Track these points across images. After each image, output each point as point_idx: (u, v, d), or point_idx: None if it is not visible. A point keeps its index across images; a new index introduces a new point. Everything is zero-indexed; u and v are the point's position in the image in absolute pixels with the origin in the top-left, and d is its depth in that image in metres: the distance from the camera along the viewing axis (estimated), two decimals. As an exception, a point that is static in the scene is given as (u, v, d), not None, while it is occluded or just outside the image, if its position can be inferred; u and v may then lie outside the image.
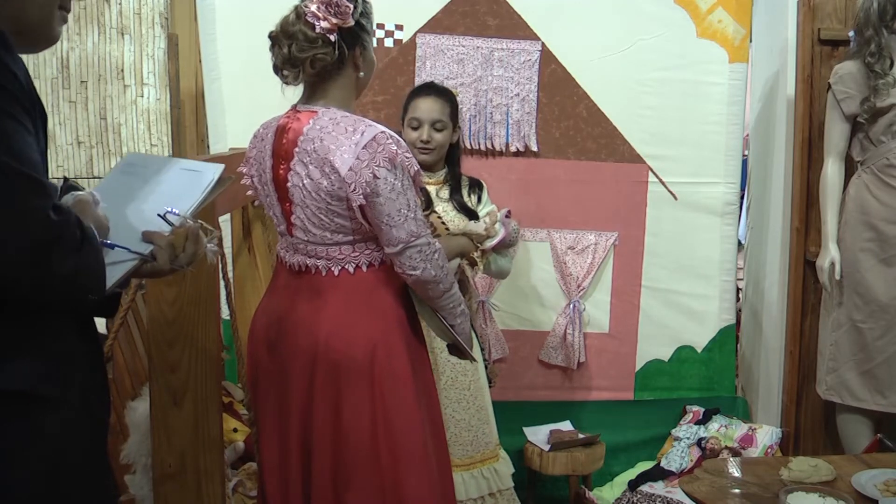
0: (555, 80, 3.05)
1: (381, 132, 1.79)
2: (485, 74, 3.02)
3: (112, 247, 1.30)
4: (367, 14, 1.88)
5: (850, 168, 2.92)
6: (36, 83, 3.33)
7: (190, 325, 1.81)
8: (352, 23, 1.80)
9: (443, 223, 2.55)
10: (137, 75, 3.42)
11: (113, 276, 1.28)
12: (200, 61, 2.99)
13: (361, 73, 1.89)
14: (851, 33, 2.91)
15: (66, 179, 1.45)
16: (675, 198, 3.15)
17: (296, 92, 1.92)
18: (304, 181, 1.81)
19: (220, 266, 1.93)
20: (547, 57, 3.03)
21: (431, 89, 2.62)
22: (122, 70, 3.41)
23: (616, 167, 3.12)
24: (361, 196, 1.76)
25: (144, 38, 3.40)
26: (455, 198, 2.60)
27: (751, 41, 3.19)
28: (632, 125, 3.10)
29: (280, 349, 1.90)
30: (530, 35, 3.03)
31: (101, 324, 2.86)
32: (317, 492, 1.84)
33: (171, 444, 1.82)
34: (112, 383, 1.97)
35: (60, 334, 1.27)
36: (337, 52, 1.80)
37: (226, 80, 2.94)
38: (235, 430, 2.34)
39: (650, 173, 3.14)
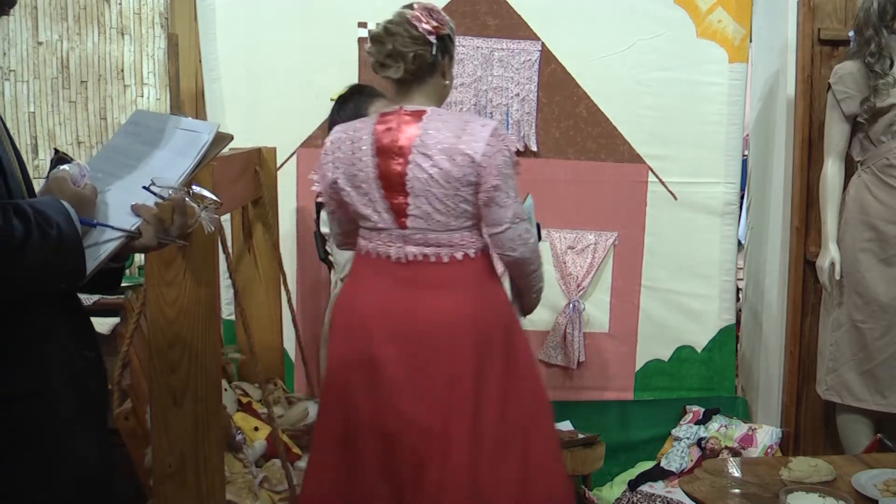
0: (555, 80, 3.05)
1: (499, 124, 2.09)
2: (485, 74, 3.02)
3: (92, 225, 1.23)
4: (454, 35, 2.10)
5: (850, 168, 2.92)
6: (36, 83, 3.31)
7: (190, 325, 1.80)
8: (447, 31, 2.05)
9: None
10: (137, 75, 3.42)
11: (96, 256, 1.22)
12: (200, 61, 2.99)
13: (447, 82, 2.11)
14: (851, 33, 2.91)
15: (56, 151, 1.42)
16: (675, 198, 3.15)
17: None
18: (430, 171, 1.99)
19: (220, 266, 1.92)
20: (547, 57, 3.03)
21: (376, 91, 2.58)
22: (122, 70, 3.41)
23: (616, 167, 3.12)
24: (497, 178, 1.99)
25: (144, 38, 3.40)
26: None
27: (751, 41, 3.19)
28: (632, 125, 3.10)
29: (414, 337, 2.01)
30: (530, 35, 3.03)
31: (103, 325, 2.87)
32: (482, 462, 2.00)
33: (171, 444, 1.82)
34: (130, 389, 1.95)
35: (26, 321, 1.22)
36: (434, 53, 2.02)
37: (226, 80, 2.94)
38: (256, 429, 2.34)
39: (650, 173, 3.14)
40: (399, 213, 2.03)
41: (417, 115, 2.04)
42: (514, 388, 2.07)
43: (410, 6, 2.05)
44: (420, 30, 2.00)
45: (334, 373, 2.12)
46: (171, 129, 1.41)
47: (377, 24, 2.06)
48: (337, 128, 2.14)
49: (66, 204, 1.20)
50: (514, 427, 2.05)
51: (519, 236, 2.05)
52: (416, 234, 2.03)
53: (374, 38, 2.04)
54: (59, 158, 1.34)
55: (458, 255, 2.04)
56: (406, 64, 2.01)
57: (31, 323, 1.23)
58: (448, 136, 1.99)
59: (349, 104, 2.55)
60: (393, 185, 2.02)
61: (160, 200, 1.30)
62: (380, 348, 2.02)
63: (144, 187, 1.30)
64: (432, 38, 2.01)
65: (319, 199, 2.46)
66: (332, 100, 2.60)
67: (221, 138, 1.41)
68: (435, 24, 2.01)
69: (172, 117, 1.48)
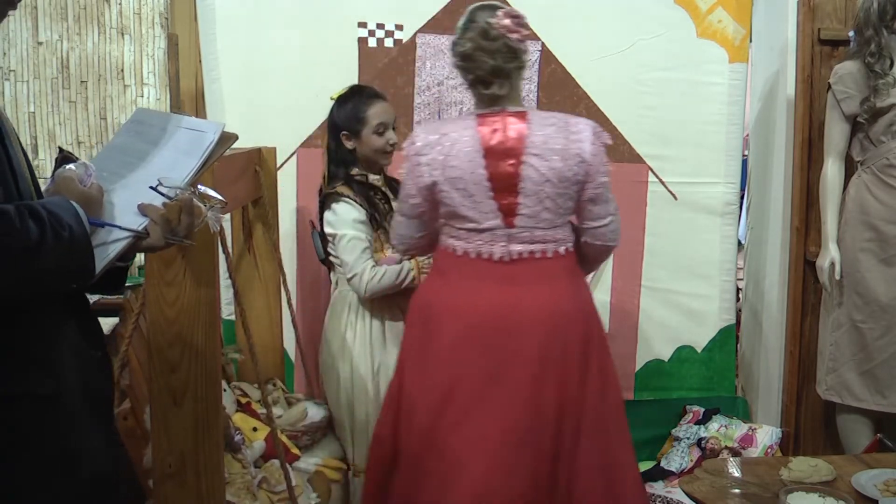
0: (555, 80, 3.05)
1: (594, 122, 2.15)
2: (485, 74, 3.02)
3: (101, 225, 1.23)
4: None
5: (850, 168, 2.92)
6: (36, 83, 3.31)
7: (190, 325, 1.80)
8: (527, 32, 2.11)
9: None
10: (137, 75, 3.42)
11: (105, 255, 1.22)
12: (200, 61, 2.98)
13: (523, 81, 2.18)
14: (851, 33, 2.91)
15: (61, 150, 1.42)
16: (675, 198, 3.15)
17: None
18: (544, 172, 2.05)
19: (220, 265, 1.92)
20: (547, 57, 3.03)
21: (376, 93, 2.58)
22: (122, 70, 3.41)
23: (616, 167, 3.08)
24: (603, 175, 2.11)
25: (144, 38, 3.40)
26: (396, 193, 2.59)
27: (751, 41, 3.19)
28: (632, 125, 3.10)
29: (525, 331, 2.07)
30: (530, 35, 3.01)
31: (103, 325, 2.86)
32: (587, 442, 2.09)
33: (171, 444, 1.82)
34: (129, 389, 1.96)
35: (41, 323, 1.23)
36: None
37: (226, 80, 2.94)
38: (255, 430, 2.34)
39: (650, 173, 3.14)
40: (508, 213, 2.07)
41: (521, 116, 2.09)
42: (609, 375, 2.19)
43: (491, 10, 2.08)
44: (515, 43, 2.07)
45: (435, 369, 2.13)
46: (175, 128, 1.41)
47: (463, 39, 2.08)
48: (419, 131, 2.17)
49: (75, 204, 1.20)
50: (609, 413, 2.15)
51: (617, 228, 2.20)
52: (524, 233, 2.08)
53: (465, 57, 2.07)
54: (64, 157, 1.34)
55: (561, 250, 2.13)
56: (512, 80, 2.09)
57: (44, 323, 1.23)
58: (557, 136, 2.07)
59: (348, 104, 2.55)
60: (504, 185, 2.06)
61: (167, 200, 1.30)
62: (491, 343, 2.07)
63: (152, 187, 1.29)
64: (523, 46, 2.08)
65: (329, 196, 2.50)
66: (331, 99, 2.60)
67: (227, 138, 1.41)
68: (525, 31, 2.08)
69: (175, 116, 1.48)
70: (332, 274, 2.67)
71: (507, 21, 2.04)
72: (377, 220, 2.50)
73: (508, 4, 2.16)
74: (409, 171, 2.13)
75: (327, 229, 2.51)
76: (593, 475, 2.10)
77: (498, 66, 2.05)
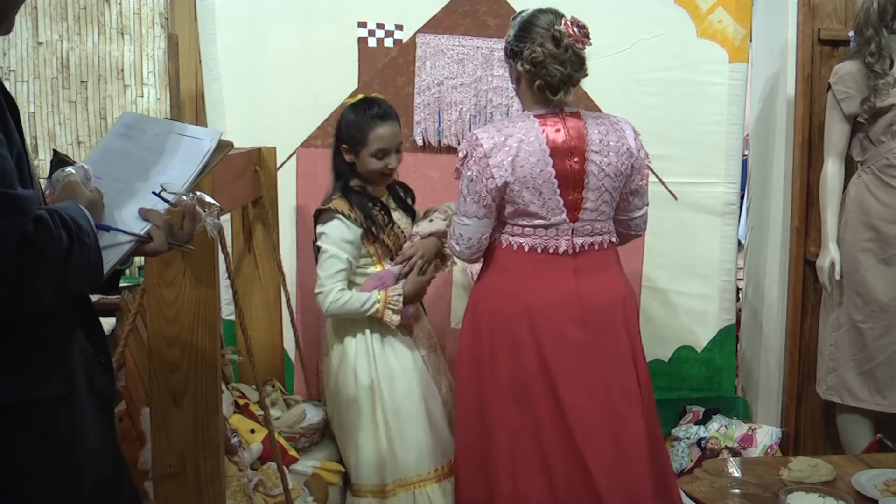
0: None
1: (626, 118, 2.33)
2: (485, 74, 3.02)
3: (108, 229, 1.25)
4: None
5: (850, 168, 2.92)
6: (36, 83, 3.31)
7: (190, 325, 1.80)
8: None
9: (402, 232, 2.56)
10: (137, 75, 3.42)
11: (109, 259, 1.24)
12: (200, 61, 2.98)
13: None
14: (851, 33, 2.91)
15: (56, 153, 1.43)
16: (675, 198, 3.15)
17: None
18: (602, 167, 2.20)
19: (220, 266, 1.92)
20: (547, 57, 3.03)
21: (386, 114, 2.48)
22: (122, 70, 3.41)
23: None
24: (646, 169, 2.33)
25: (144, 38, 3.40)
26: (399, 202, 2.61)
27: (751, 41, 3.18)
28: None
29: (589, 318, 2.22)
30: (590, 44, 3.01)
31: (106, 326, 2.86)
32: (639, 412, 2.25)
33: (171, 444, 1.82)
34: (125, 390, 1.96)
35: (58, 327, 1.25)
36: None
37: (226, 80, 2.94)
38: (253, 431, 2.33)
39: (650, 173, 3.13)
40: (573, 209, 2.20)
41: (577, 116, 2.22)
42: (643, 357, 2.38)
43: (555, 16, 2.16)
44: (582, 53, 2.17)
45: (507, 362, 2.22)
46: (171, 134, 1.42)
47: (532, 45, 2.14)
48: (480, 134, 2.19)
49: (85, 210, 1.21)
50: (646, 392, 2.33)
51: (647, 218, 2.43)
52: (586, 226, 2.23)
53: (536, 64, 2.15)
54: (60, 160, 1.34)
55: (613, 240, 2.31)
56: (574, 86, 2.22)
57: (56, 328, 1.24)
58: (610, 133, 2.23)
59: (354, 118, 2.47)
60: (571, 182, 2.18)
61: (169, 206, 1.32)
62: (563, 333, 2.20)
63: (155, 193, 1.31)
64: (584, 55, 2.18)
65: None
66: (345, 103, 2.58)
67: (223, 146, 1.43)
68: (588, 41, 2.17)
69: (169, 122, 1.49)
70: None
71: (575, 30, 2.13)
72: (373, 233, 2.46)
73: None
74: (479, 173, 2.16)
75: (318, 241, 2.49)
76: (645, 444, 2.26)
77: (568, 74, 2.16)
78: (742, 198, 3.45)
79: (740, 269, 3.42)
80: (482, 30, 3.00)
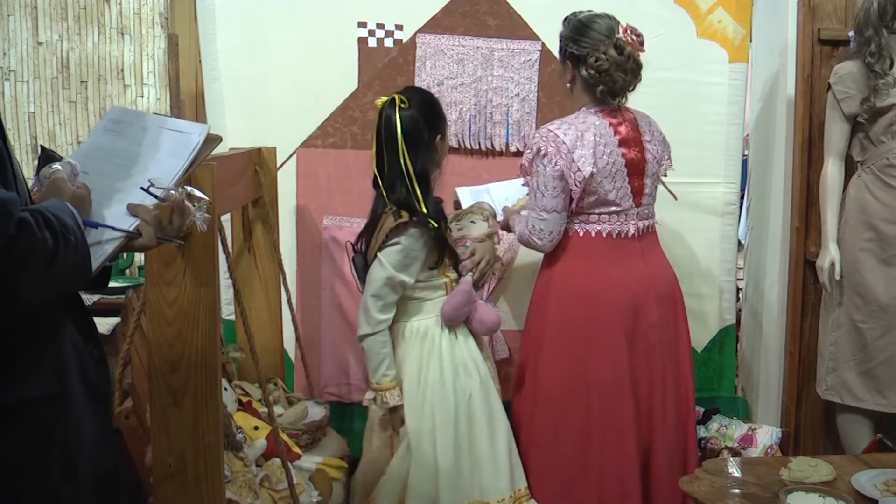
0: (555, 80, 3.05)
1: None
2: (485, 74, 3.02)
3: (95, 226, 1.25)
4: None
5: (850, 168, 2.92)
6: (36, 83, 3.31)
7: (190, 325, 1.80)
8: None
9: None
10: (137, 75, 3.42)
11: (98, 256, 1.24)
12: (200, 61, 2.98)
13: None
14: (851, 33, 2.91)
15: (43, 149, 1.42)
16: (675, 198, 3.15)
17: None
18: (654, 154, 2.45)
19: (220, 265, 1.92)
20: (547, 57, 3.03)
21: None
22: (122, 70, 3.41)
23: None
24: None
25: (144, 38, 3.40)
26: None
27: (751, 41, 3.18)
28: (632, 125, 3.09)
29: (662, 295, 2.47)
30: (530, 35, 3.02)
31: (104, 324, 2.87)
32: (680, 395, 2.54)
33: (171, 444, 1.82)
34: (132, 388, 1.96)
35: (48, 325, 1.24)
36: None
37: (226, 80, 2.94)
38: (256, 428, 2.34)
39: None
40: (637, 194, 2.41)
41: (627, 110, 2.44)
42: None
43: (612, 21, 2.34)
44: (640, 59, 2.37)
45: (597, 343, 2.39)
46: (158, 128, 1.41)
47: (596, 52, 2.32)
48: (556, 130, 2.33)
49: (71, 207, 1.21)
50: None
51: None
52: (644, 210, 2.46)
53: (601, 72, 2.31)
54: (47, 156, 1.34)
55: (657, 221, 2.56)
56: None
57: (48, 326, 1.24)
58: (653, 125, 2.48)
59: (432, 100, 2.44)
60: (636, 170, 2.39)
61: (157, 201, 1.31)
62: (647, 312, 2.42)
63: (143, 188, 1.31)
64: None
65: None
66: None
67: (212, 140, 1.43)
68: (642, 49, 2.37)
69: (156, 116, 1.48)
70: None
71: (634, 37, 2.32)
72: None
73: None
74: (567, 167, 2.30)
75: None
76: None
77: (629, 81, 2.35)
78: (742, 198, 3.45)
79: (740, 269, 3.42)
80: (482, 30, 3.00)
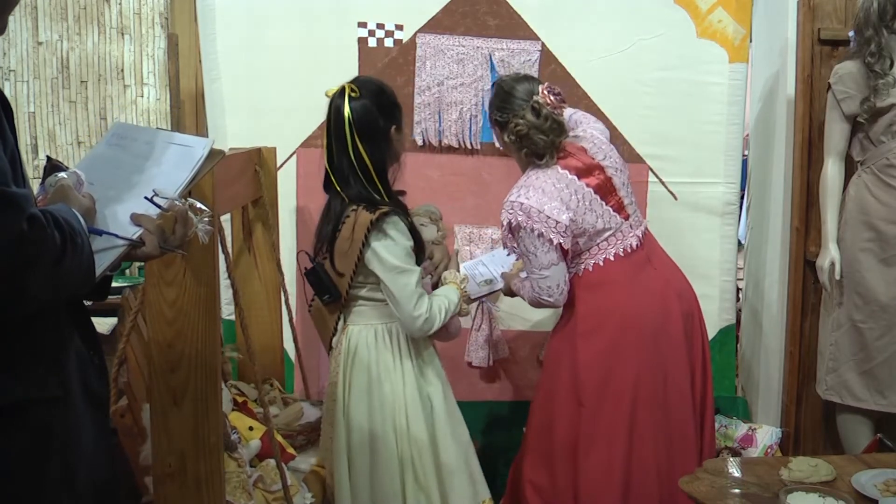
0: (555, 80, 3.04)
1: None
2: (485, 74, 3.02)
3: (100, 233, 1.26)
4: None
5: (850, 168, 2.92)
6: (36, 83, 3.30)
7: (190, 325, 1.80)
8: None
9: None
10: (137, 75, 3.42)
11: (101, 263, 1.25)
12: (200, 61, 2.99)
13: None
14: (851, 33, 2.91)
15: (49, 159, 1.43)
16: (675, 198, 3.15)
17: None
18: (614, 164, 2.44)
19: (220, 266, 1.92)
20: (547, 57, 3.03)
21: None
22: (122, 70, 3.41)
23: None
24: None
25: (144, 38, 3.40)
26: None
27: (751, 41, 3.18)
28: (632, 125, 3.09)
29: (684, 301, 2.50)
30: (530, 35, 3.02)
31: (103, 324, 2.87)
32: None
33: (171, 444, 1.82)
34: (127, 387, 1.96)
35: (53, 329, 1.25)
36: None
37: (226, 80, 2.94)
38: (251, 429, 2.33)
39: (650, 173, 3.13)
40: (619, 209, 2.42)
41: (572, 143, 2.42)
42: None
43: (531, 83, 2.36)
44: (560, 118, 2.37)
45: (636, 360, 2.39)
46: (162, 143, 1.44)
47: (514, 117, 2.34)
48: (519, 199, 2.30)
49: (77, 213, 1.22)
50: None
51: None
52: (634, 219, 2.46)
53: (521, 137, 2.34)
54: (53, 166, 1.35)
55: (648, 221, 2.61)
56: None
57: (52, 329, 1.25)
58: (597, 138, 2.47)
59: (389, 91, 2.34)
60: (607, 190, 2.39)
61: (161, 211, 1.33)
62: (674, 322, 2.43)
63: (147, 198, 1.33)
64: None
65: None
66: (326, 95, 2.52)
67: (215, 154, 1.45)
68: (565, 105, 2.43)
69: (161, 132, 1.52)
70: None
71: (552, 98, 2.32)
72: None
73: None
74: (544, 227, 2.29)
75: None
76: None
77: (551, 141, 2.34)
78: (742, 198, 3.45)
79: (740, 269, 3.42)
80: (482, 30, 3.00)
